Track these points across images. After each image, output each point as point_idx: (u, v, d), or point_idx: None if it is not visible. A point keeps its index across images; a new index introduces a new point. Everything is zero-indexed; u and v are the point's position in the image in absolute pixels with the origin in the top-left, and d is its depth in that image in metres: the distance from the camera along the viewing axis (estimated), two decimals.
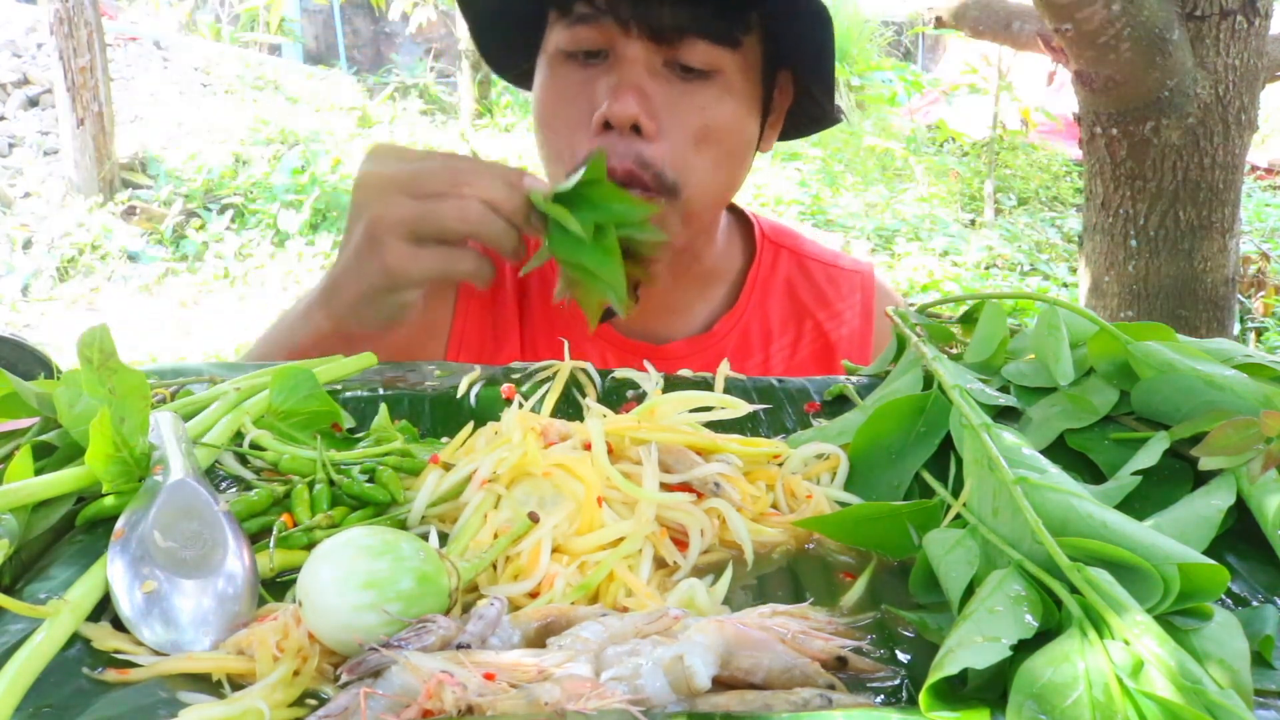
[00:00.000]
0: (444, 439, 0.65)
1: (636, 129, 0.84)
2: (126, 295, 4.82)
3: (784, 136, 1.04)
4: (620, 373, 0.75)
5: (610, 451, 0.56)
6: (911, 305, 0.79)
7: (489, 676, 0.38)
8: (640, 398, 0.72)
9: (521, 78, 0.99)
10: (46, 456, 0.58)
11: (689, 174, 0.87)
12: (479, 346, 1.04)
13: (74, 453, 0.57)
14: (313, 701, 0.41)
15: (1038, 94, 5.68)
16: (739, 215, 1.11)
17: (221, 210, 5.41)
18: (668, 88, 0.85)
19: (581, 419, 0.63)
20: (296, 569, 0.45)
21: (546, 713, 0.36)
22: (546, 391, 0.71)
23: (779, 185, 6.00)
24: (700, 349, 1.02)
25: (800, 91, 0.97)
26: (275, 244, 5.22)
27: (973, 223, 5.93)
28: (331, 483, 0.57)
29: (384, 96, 7.47)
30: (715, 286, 1.06)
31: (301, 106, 6.75)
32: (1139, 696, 0.36)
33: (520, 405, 0.68)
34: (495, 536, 0.51)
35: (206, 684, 0.42)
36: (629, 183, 0.85)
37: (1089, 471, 0.59)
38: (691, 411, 0.64)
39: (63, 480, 0.53)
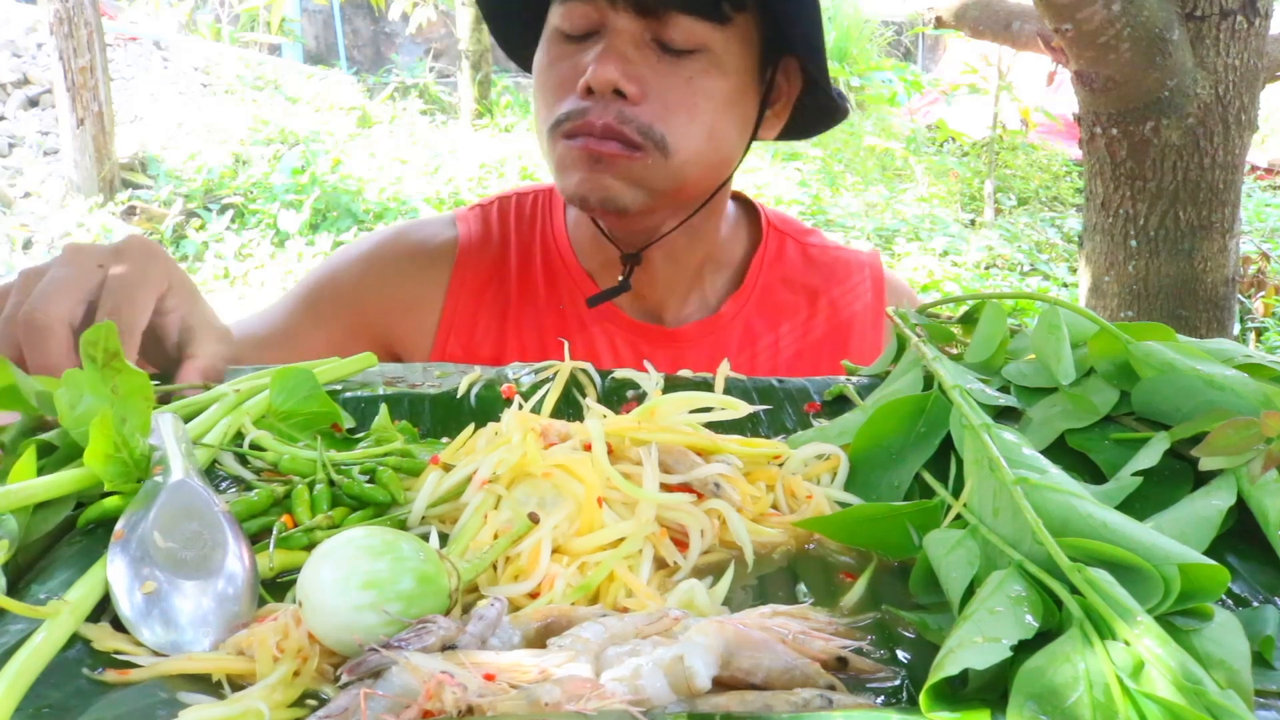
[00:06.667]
0: (444, 439, 0.65)
1: (619, 94, 0.86)
2: None
3: (798, 133, 1.04)
4: (620, 373, 0.75)
5: (610, 452, 0.56)
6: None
7: (489, 677, 0.38)
8: (640, 398, 0.72)
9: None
10: (45, 457, 0.58)
11: (677, 133, 0.88)
12: (470, 322, 1.04)
13: (73, 453, 0.57)
14: (313, 702, 0.41)
15: (1038, 94, 5.68)
16: (746, 205, 1.12)
17: (221, 210, 5.41)
18: (653, 61, 0.87)
19: (581, 419, 0.63)
20: (296, 569, 0.45)
21: (546, 713, 0.36)
22: (547, 392, 0.71)
23: (779, 185, 6.01)
24: (710, 330, 1.03)
25: (809, 80, 0.97)
26: (275, 244, 5.22)
27: (973, 223, 5.93)
28: (332, 483, 0.57)
29: (384, 96, 7.47)
30: (722, 271, 1.07)
31: (301, 106, 6.75)
32: (1139, 697, 0.36)
33: (520, 405, 0.68)
34: (495, 537, 0.51)
35: (206, 684, 0.42)
36: (608, 136, 0.86)
37: (1089, 471, 0.59)
38: (692, 412, 0.64)
39: (62, 482, 0.53)
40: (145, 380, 0.55)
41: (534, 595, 0.49)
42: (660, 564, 0.52)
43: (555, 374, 0.74)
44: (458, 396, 0.72)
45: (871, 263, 1.11)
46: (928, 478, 0.58)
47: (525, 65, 1.00)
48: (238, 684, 0.42)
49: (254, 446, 0.61)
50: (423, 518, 0.56)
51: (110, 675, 0.41)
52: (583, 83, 0.86)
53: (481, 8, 1.01)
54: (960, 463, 0.56)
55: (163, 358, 0.75)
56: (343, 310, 1.03)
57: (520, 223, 1.08)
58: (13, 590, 0.48)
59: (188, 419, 0.62)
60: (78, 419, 0.56)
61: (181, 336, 0.75)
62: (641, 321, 1.03)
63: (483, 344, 1.03)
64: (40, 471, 0.55)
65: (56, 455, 0.58)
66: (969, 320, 0.77)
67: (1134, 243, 2.21)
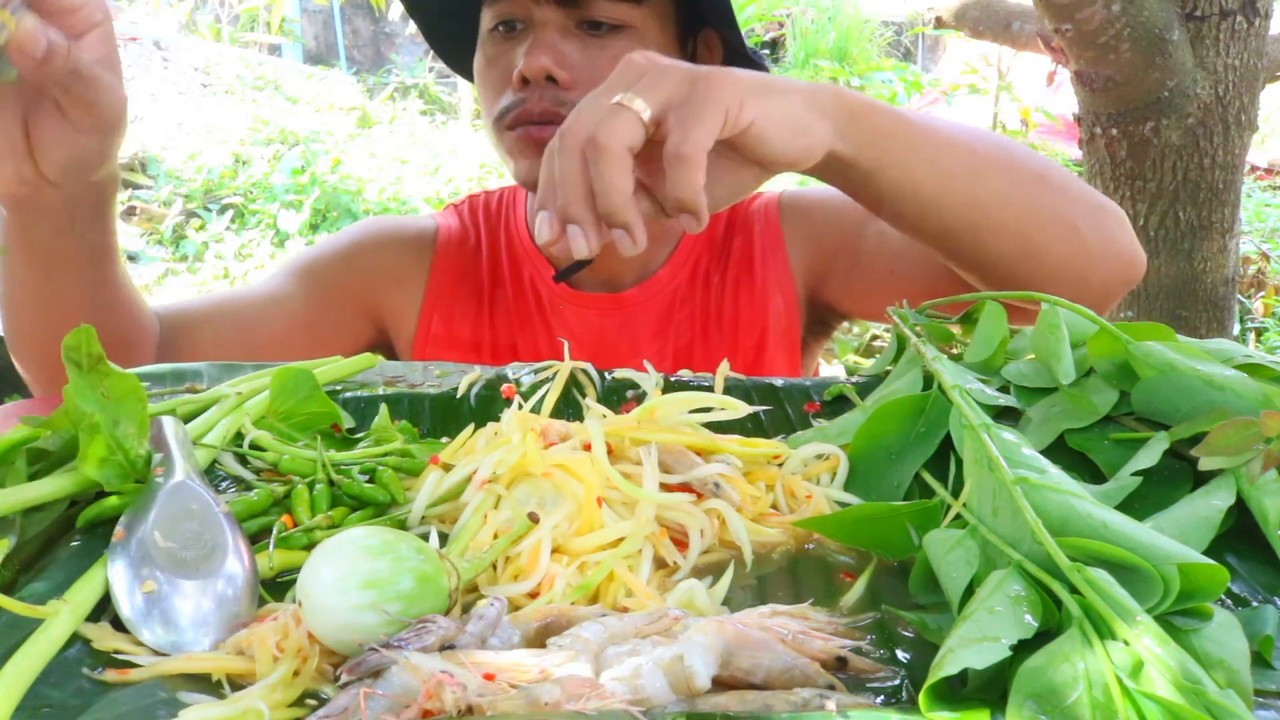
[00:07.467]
0: (444, 439, 0.65)
1: (553, 81, 0.92)
2: None
3: None
4: (620, 373, 0.76)
5: (610, 452, 0.56)
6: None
7: (489, 677, 0.38)
8: (640, 398, 0.72)
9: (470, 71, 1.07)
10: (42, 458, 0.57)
11: None
12: (450, 306, 1.12)
13: (71, 452, 0.57)
14: (313, 701, 0.41)
15: (1038, 94, 5.67)
16: None
17: (221, 210, 5.41)
18: (580, 46, 0.94)
19: (581, 419, 0.63)
20: (296, 569, 0.45)
21: (546, 713, 0.36)
22: (547, 392, 0.71)
23: (777, 183, 6.01)
24: (653, 293, 1.10)
25: (731, 49, 1.02)
26: (275, 244, 5.22)
27: None
28: (331, 483, 0.57)
29: (384, 96, 7.46)
30: (668, 238, 1.13)
31: (301, 106, 6.74)
32: (1139, 697, 0.36)
33: (520, 405, 0.68)
34: (495, 537, 0.51)
35: (206, 684, 0.42)
36: (547, 120, 0.93)
37: (1089, 471, 0.59)
38: (691, 412, 0.64)
39: (58, 485, 0.52)
40: (136, 383, 0.54)
41: (534, 595, 0.49)
42: (660, 564, 0.53)
43: (555, 374, 0.74)
44: (458, 396, 0.72)
45: (767, 205, 1.15)
46: (927, 478, 0.58)
47: (468, 75, 1.07)
48: (238, 684, 0.42)
49: (254, 446, 0.61)
50: (423, 518, 0.56)
51: (110, 675, 0.42)
52: (516, 74, 0.93)
53: (420, 26, 1.09)
54: (960, 463, 0.56)
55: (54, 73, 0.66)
56: (338, 277, 1.11)
57: (488, 218, 1.17)
58: (11, 590, 0.48)
59: (188, 419, 0.62)
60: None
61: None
62: (591, 292, 1.10)
63: (462, 326, 1.12)
64: (35, 475, 0.54)
65: (52, 456, 0.57)
66: (969, 320, 0.77)
67: None
